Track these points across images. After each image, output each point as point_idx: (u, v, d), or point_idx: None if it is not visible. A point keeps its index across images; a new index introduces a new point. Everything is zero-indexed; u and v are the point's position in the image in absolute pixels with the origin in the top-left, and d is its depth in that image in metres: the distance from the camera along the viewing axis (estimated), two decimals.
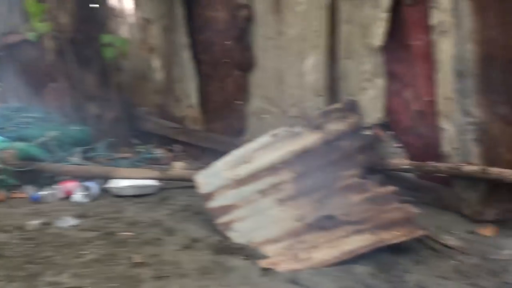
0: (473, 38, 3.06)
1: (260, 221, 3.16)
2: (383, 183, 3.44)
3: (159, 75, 4.91)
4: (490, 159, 3.18)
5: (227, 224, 3.15)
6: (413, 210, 3.09)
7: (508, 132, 3.13)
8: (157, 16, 4.81)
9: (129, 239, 2.98)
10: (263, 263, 2.74)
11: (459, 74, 3.16)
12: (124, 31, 5.00)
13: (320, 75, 3.87)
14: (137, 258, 2.72)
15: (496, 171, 3.11)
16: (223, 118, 4.58)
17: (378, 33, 3.48)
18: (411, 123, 3.56)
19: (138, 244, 2.92)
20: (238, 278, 2.60)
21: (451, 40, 3.15)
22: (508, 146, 3.15)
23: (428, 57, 3.31)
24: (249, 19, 4.23)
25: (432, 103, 3.37)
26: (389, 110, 3.63)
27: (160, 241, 2.97)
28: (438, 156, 3.40)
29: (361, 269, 2.72)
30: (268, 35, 4.15)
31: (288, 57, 4.05)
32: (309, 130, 3.56)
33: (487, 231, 3.18)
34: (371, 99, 3.64)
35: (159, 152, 4.78)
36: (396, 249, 2.89)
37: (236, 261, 2.76)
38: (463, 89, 3.17)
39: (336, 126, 3.58)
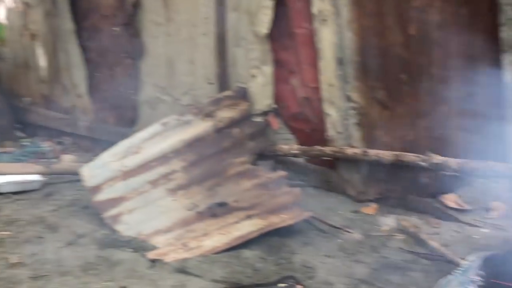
0: (351, 27, 3.20)
1: (150, 212, 3.10)
2: (273, 169, 3.53)
3: (43, 63, 4.62)
4: (370, 141, 3.36)
5: (116, 217, 3.06)
6: (301, 193, 3.21)
7: (385, 115, 3.32)
8: (37, 0, 4.50)
9: (6, 239, 2.79)
10: (151, 255, 2.69)
11: (340, 62, 3.30)
12: (1, 16, 4.63)
13: (210, 63, 3.85)
14: (14, 259, 2.55)
15: (374, 152, 3.29)
16: (114, 108, 4.42)
17: (264, 21, 3.52)
18: (299, 109, 3.66)
19: (16, 243, 2.75)
20: (124, 272, 2.53)
21: (331, 28, 3.27)
22: (385, 129, 3.35)
23: (312, 45, 3.42)
24: (136, 5, 4.10)
25: (317, 90, 3.49)
26: (278, 97, 3.71)
27: (41, 239, 2.82)
28: (325, 140, 3.54)
29: (250, 254, 2.77)
30: (157, 21, 4.05)
31: (178, 44, 3.99)
32: (199, 118, 3.55)
33: (369, 209, 3.37)
34: (260, 86, 3.69)
35: (46, 145, 4.53)
36: (286, 231, 2.98)
37: (123, 255, 2.69)
38: (344, 76, 3.32)
39: (226, 114, 3.60)
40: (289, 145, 3.68)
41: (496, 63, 2.94)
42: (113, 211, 3.08)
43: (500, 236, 3.01)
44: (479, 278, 2.16)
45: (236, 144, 3.55)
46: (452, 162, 3.04)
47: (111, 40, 4.32)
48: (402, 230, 3.08)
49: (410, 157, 3.18)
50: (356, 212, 3.36)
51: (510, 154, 3.00)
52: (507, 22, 2.87)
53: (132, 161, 3.28)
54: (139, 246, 2.79)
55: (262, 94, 3.69)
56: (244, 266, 2.66)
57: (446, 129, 3.10)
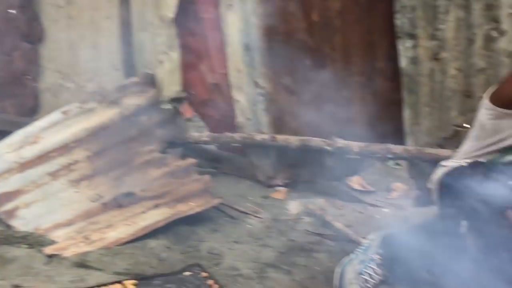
0: (256, 12, 3.20)
1: (50, 205, 2.95)
2: (183, 157, 3.47)
3: None
4: (278, 127, 3.40)
5: (11, 212, 2.88)
6: (211, 180, 3.18)
7: (292, 101, 3.37)
8: None
9: None
10: (49, 250, 2.56)
11: (246, 47, 3.30)
12: None
13: (115, 48, 3.71)
14: None
15: (282, 138, 3.33)
16: (12, 96, 4.14)
17: (170, 4, 3.43)
18: (208, 95, 3.63)
19: None
20: (18, 269, 2.39)
21: (238, 14, 3.25)
22: (292, 115, 3.40)
23: (219, 30, 3.38)
24: None
25: (226, 76, 3.47)
26: (187, 84, 3.65)
27: None
28: (235, 127, 3.53)
29: (156, 243, 2.71)
30: (57, 3, 3.83)
31: (80, 28, 3.80)
32: (104, 106, 3.42)
33: (278, 194, 3.42)
34: (168, 72, 3.60)
35: None
36: (195, 219, 2.94)
37: (18, 251, 2.54)
38: (251, 62, 3.32)
39: (133, 101, 3.49)
40: (200, 132, 3.63)
41: (393, 49, 3.07)
42: (8, 206, 2.90)
43: (399, 215, 3.17)
44: (378, 256, 2.26)
45: (143, 132, 3.45)
46: (354, 145, 3.15)
47: (7, 24, 4.02)
48: (309, 213, 3.15)
49: (316, 141, 3.25)
50: (265, 197, 3.40)
51: (407, 137, 3.15)
52: (400, 10, 2.99)
53: (29, 152, 3.10)
54: (36, 241, 2.64)
55: (170, 81, 3.61)
56: (149, 257, 2.59)
57: (349, 114, 3.20)
